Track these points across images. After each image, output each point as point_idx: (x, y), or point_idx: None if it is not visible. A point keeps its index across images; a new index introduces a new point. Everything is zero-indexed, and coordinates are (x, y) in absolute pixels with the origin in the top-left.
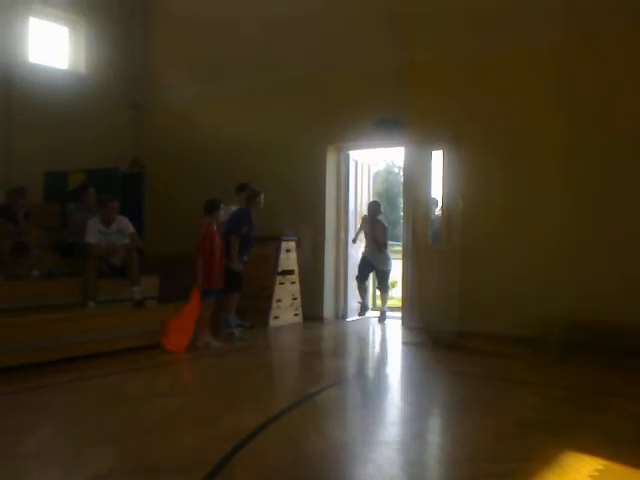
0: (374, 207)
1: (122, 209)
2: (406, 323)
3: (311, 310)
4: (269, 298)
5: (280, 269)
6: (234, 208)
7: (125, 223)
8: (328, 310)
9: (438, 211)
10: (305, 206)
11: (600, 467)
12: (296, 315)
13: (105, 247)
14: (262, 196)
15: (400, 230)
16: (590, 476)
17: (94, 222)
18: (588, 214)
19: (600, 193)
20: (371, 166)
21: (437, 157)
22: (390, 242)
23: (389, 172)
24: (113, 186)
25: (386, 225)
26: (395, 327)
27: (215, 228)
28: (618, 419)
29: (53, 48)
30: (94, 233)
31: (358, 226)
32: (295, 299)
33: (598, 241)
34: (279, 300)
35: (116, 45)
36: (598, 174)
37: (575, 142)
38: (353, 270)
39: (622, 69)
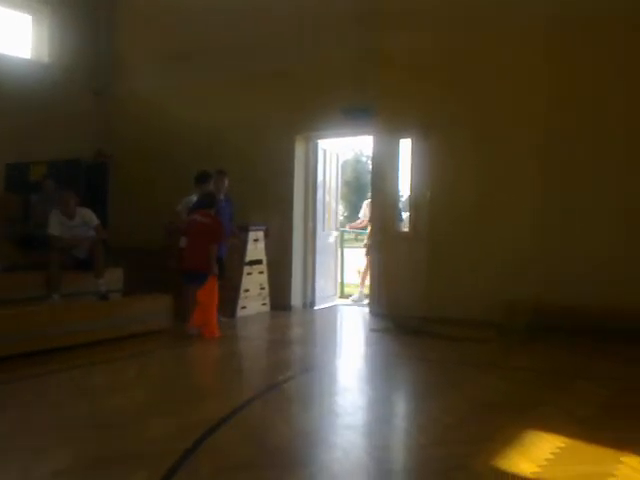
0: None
1: (86, 200)
2: (373, 310)
3: (279, 299)
4: (236, 288)
5: (248, 259)
6: (194, 199)
7: (89, 215)
8: (296, 299)
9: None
10: (273, 195)
11: (562, 445)
12: (264, 305)
13: (68, 239)
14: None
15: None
16: (552, 453)
17: (56, 214)
18: (554, 202)
19: (568, 181)
20: (340, 155)
21: (406, 146)
22: (356, 231)
23: (357, 161)
24: (77, 177)
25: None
26: (363, 314)
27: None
28: (580, 399)
29: (16, 37)
30: (56, 225)
31: None
32: (263, 289)
33: (564, 227)
34: (247, 290)
35: (81, 33)
36: (568, 162)
37: (544, 132)
38: (322, 258)
39: (592, 58)
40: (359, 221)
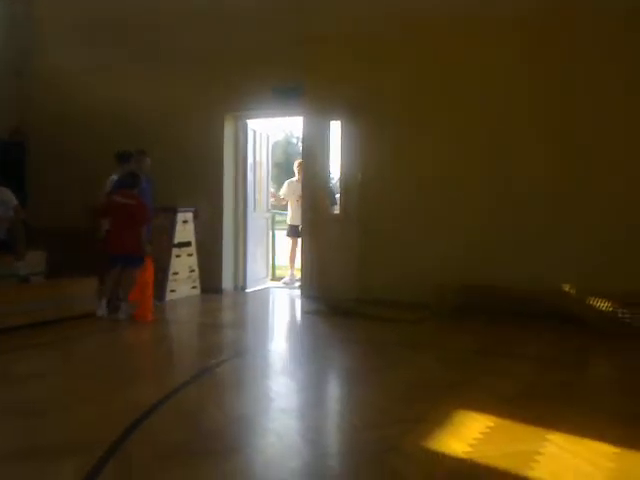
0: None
1: (3, 180)
2: (306, 292)
3: (210, 282)
4: (165, 271)
5: (176, 241)
6: (115, 178)
7: (7, 195)
8: (227, 282)
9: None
10: (203, 176)
11: (491, 424)
12: (194, 288)
13: None
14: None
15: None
16: (481, 433)
17: None
18: (485, 186)
19: (502, 165)
20: (270, 136)
21: (336, 127)
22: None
23: (288, 142)
24: None
25: None
26: (295, 297)
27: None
28: (507, 378)
29: None
30: None
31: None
32: (193, 271)
33: (494, 212)
34: (175, 273)
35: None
36: (502, 144)
37: (478, 115)
38: (253, 240)
39: (524, 39)
40: (280, 198)
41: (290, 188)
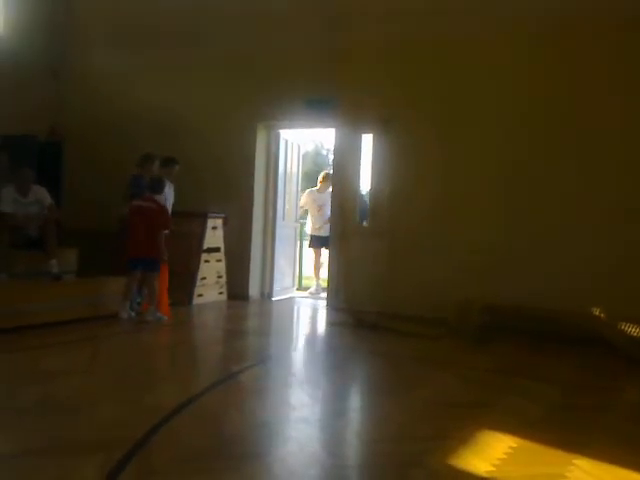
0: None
1: (39, 179)
2: (331, 303)
3: (237, 288)
4: (193, 275)
5: (205, 246)
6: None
7: (42, 193)
8: (254, 289)
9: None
10: (234, 183)
11: (514, 445)
12: (221, 293)
13: (21, 217)
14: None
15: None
16: (505, 453)
17: (9, 191)
18: (513, 202)
19: (531, 182)
20: (300, 146)
21: (367, 140)
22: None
23: (317, 153)
24: (29, 154)
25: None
26: (320, 307)
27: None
28: (529, 399)
29: None
30: (9, 202)
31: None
32: (220, 277)
33: (523, 229)
34: (204, 278)
35: (38, 5)
36: (532, 162)
37: (511, 129)
38: (281, 249)
39: (557, 53)
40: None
41: (310, 197)
